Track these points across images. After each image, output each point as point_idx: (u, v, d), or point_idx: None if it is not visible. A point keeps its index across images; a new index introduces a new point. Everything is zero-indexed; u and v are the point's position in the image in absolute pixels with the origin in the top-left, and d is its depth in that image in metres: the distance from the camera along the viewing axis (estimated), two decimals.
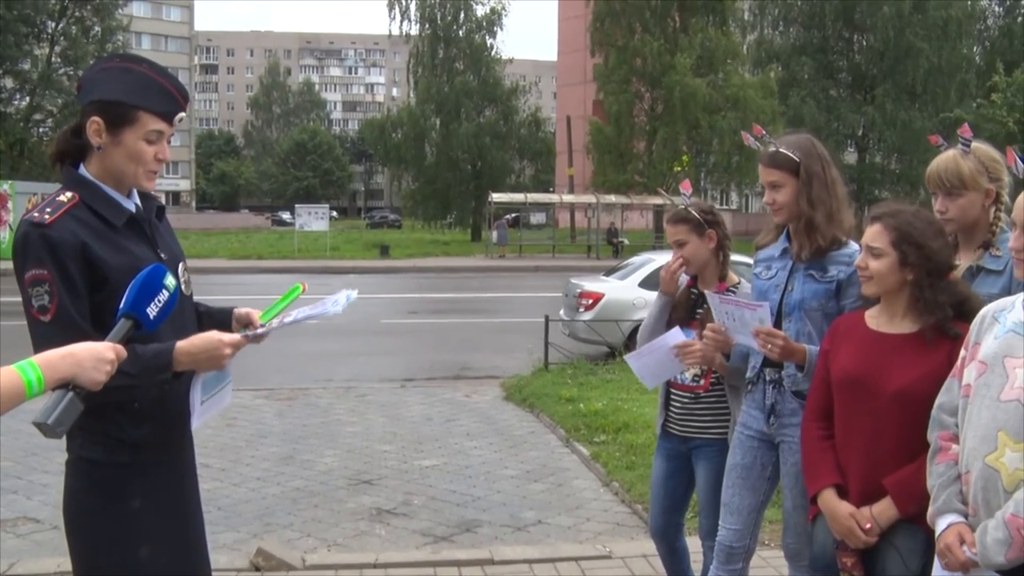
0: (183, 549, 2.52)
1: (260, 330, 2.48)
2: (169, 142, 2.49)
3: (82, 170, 2.42)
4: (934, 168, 2.99)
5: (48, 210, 2.30)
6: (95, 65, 2.47)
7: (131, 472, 2.38)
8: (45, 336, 2.15)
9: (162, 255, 2.46)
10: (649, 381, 3.79)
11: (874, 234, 2.76)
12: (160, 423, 2.43)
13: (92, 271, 2.29)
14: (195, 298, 2.68)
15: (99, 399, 2.20)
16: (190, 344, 2.30)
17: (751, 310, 3.12)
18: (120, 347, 1.98)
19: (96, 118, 2.35)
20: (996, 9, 48.83)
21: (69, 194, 2.35)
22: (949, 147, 3.02)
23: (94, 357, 1.90)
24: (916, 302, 2.74)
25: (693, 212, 3.67)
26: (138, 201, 2.49)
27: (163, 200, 2.70)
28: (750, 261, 3.59)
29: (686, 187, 3.79)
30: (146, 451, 2.41)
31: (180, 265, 2.55)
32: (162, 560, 2.43)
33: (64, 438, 2.40)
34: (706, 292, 3.48)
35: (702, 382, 3.70)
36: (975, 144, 2.97)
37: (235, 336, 2.37)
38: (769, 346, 3.08)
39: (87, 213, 2.34)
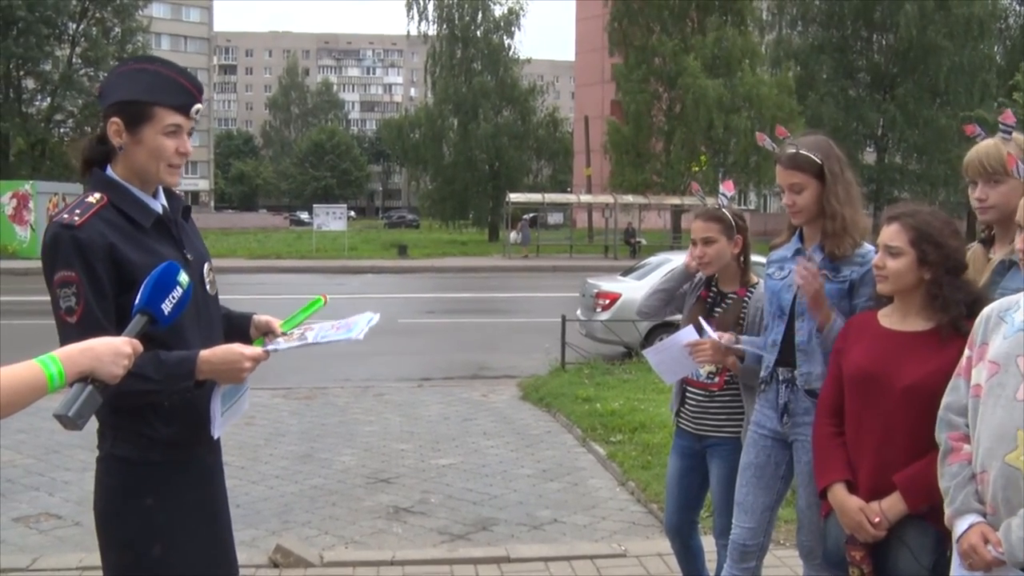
0: (212, 545, 2.56)
1: (282, 345, 2.50)
2: (190, 135, 2.52)
3: (109, 171, 2.45)
4: (975, 154, 2.93)
5: (77, 212, 2.33)
6: (113, 71, 2.53)
7: (162, 470, 2.42)
8: (71, 337, 2.15)
9: (188, 255, 2.50)
10: (667, 377, 3.82)
11: (892, 233, 2.77)
12: (191, 421, 2.46)
13: (120, 272, 2.31)
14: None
15: (122, 404, 2.24)
16: (212, 354, 2.33)
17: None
18: (136, 342, 2.02)
19: (115, 119, 2.40)
20: (1017, 8, 48.43)
21: (98, 195, 2.39)
22: (987, 136, 2.98)
23: (112, 351, 1.94)
24: (932, 300, 2.75)
25: (727, 214, 3.68)
26: (164, 202, 2.52)
27: (187, 200, 2.72)
28: (764, 261, 3.60)
29: (729, 187, 3.78)
30: (177, 449, 2.44)
31: (206, 265, 2.59)
32: (191, 556, 2.46)
33: (98, 437, 2.44)
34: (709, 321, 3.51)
35: (716, 380, 3.71)
36: (1016, 133, 2.93)
37: (256, 350, 2.39)
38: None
39: (115, 214, 2.37)
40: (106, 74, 2.55)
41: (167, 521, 2.42)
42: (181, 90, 2.45)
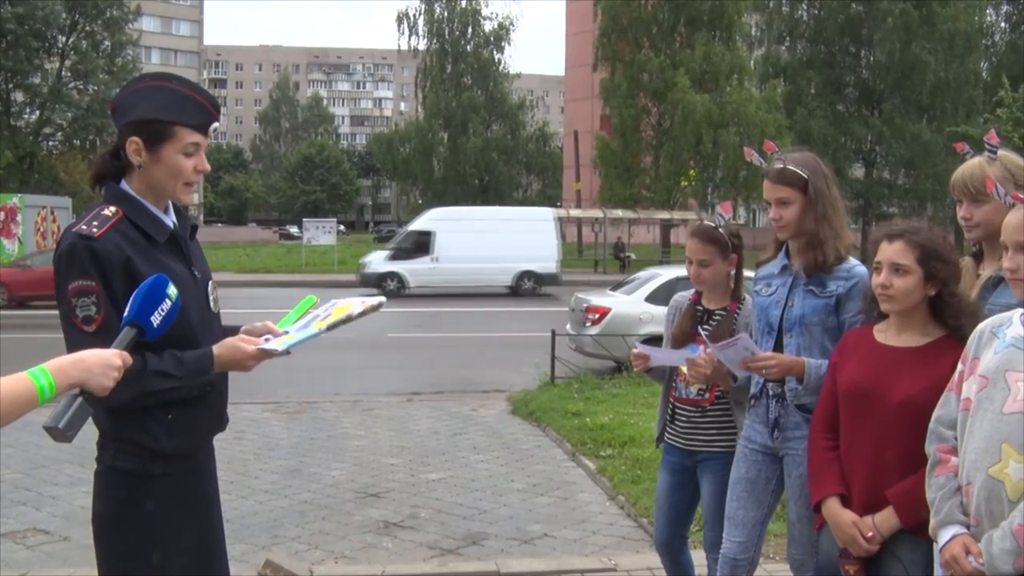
0: (207, 555, 2.58)
1: (277, 347, 2.47)
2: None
3: (124, 185, 2.46)
4: (960, 175, 2.97)
5: (95, 223, 2.34)
6: (127, 87, 2.52)
7: (162, 481, 2.43)
8: (86, 346, 2.13)
9: (196, 273, 2.52)
10: (654, 356, 3.76)
11: (899, 252, 2.75)
12: (192, 434, 2.48)
13: (133, 286, 2.30)
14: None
15: (142, 403, 2.28)
16: (221, 351, 2.40)
17: (733, 347, 3.19)
18: (126, 354, 2.03)
19: (135, 138, 2.40)
20: (1003, 25, 48.81)
21: (113, 208, 2.40)
22: (975, 155, 3.00)
23: (102, 363, 1.94)
24: (937, 312, 2.77)
25: (723, 234, 3.70)
26: (175, 219, 2.54)
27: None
28: (752, 275, 3.63)
29: (726, 209, 3.79)
30: (177, 461, 2.46)
31: (210, 283, 2.61)
32: (188, 561, 2.48)
33: (98, 449, 2.45)
34: (703, 338, 3.49)
35: (707, 395, 3.73)
36: (1002, 152, 2.95)
37: (256, 350, 2.42)
38: (765, 371, 3.16)
39: (130, 228, 2.39)
40: (118, 90, 2.56)
41: (166, 529, 2.43)
42: (200, 109, 2.46)
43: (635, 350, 3.65)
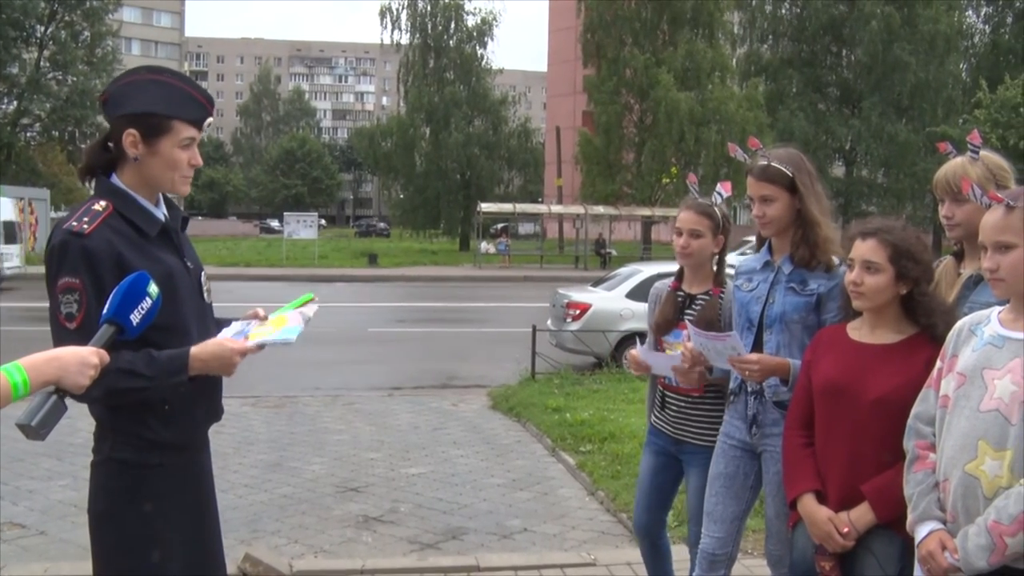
0: (203, 546, 2.58)
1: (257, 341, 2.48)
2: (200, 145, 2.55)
3: (114, 179, 2.46)
4: (942, 174, 2.99)
5: (86, 219, 2.34)
6: (120, 79, 2.52)
7: (160, 472, 2.43)
8: (68, 342, 2.13)
9: (188, 264, 2.52)
10: (648, 360, 3.80)
11: (871, 250, 2.78)
12: (188, 424, 2.48)
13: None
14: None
15: (114, 401, 2.27)
16: (202, 351, 2.36)
17: (722, 341, 3.19)
18: (103, 352, 2.02)
19: (132, 130, 2.41)
20: (982, 27, 49.16)
21: (103, 203, 2.40)
22: (958, 154, 3.03)
23: (78, 361, 1.93)
24: (909, 311, 2.79)
25: (718, 212, 3.69)
26: (165, 211, 2.54)
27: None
28: (731, 265, 3.65)
29: (726, 188, 3.79)
30: (174, 451, 2.46)
31: (203, 274, 2.63)
32: (184, 557, 2.48)
33: (95, 441, 2.45)
34: (687, 323, 3.50)
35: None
36: (984, 152, 2.97)
37: (245, 345, 2.42)
38: (747, 372, 3.18)
39: (121, 222, 2.39)
40: (98, 82, 2.56)
41: (165, 524, 2.44)
42: (197, 104, 2.48)
43: (633, 352, 3.70)
